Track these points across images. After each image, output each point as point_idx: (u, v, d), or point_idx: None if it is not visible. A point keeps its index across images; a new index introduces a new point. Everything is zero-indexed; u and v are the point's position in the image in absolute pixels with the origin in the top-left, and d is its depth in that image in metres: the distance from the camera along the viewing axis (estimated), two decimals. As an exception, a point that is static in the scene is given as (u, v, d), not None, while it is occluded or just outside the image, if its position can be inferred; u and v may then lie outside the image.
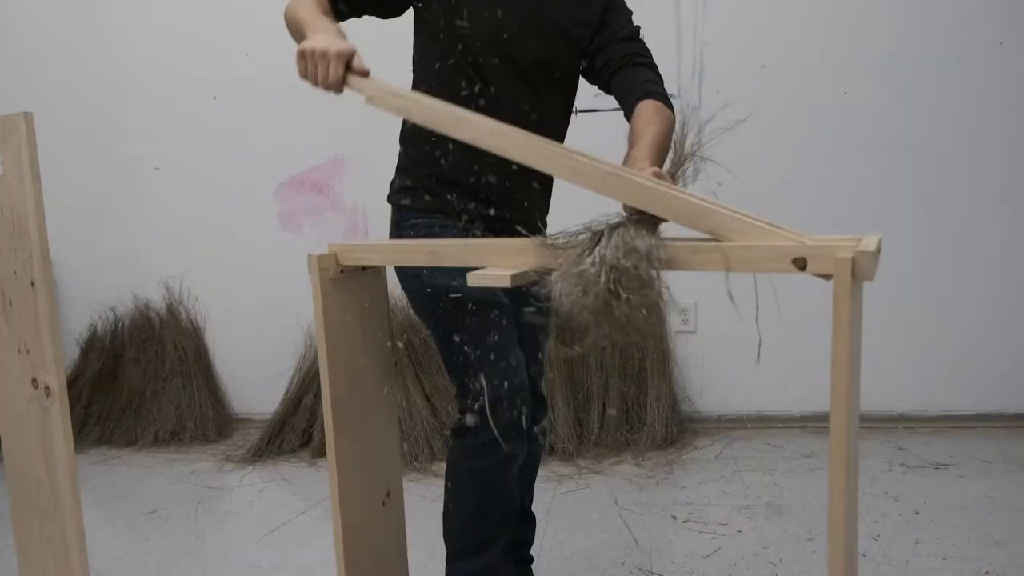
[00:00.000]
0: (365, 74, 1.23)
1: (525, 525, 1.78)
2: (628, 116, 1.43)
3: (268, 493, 2.65)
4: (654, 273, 0.97)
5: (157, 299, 3.38)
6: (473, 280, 1.08)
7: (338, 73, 1.21)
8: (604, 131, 3.03)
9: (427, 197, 1.49)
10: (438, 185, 1.48)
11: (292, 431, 3.06)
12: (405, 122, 1.57)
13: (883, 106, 2.90)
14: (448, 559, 1.49)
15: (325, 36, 1.23)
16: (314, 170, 3.25)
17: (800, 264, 0.94)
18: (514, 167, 1.48)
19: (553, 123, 1.57)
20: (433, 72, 1.49)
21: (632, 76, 1.46)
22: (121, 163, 3.34)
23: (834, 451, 0.90)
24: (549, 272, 1.06)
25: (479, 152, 1.45)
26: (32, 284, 1.66)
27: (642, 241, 0.98)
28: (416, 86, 1.55)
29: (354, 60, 1.22)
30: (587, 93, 3.01)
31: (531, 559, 1.84)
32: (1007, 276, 2.94)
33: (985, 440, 2.83)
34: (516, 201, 1.52)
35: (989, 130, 2.87)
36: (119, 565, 2.18)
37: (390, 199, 1.58)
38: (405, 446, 2.83)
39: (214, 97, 3.26)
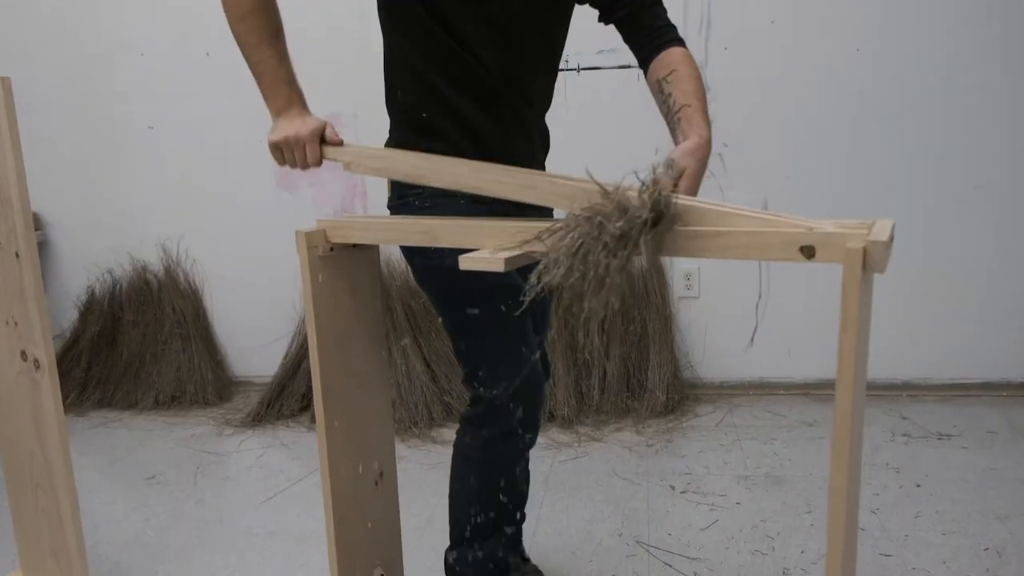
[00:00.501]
0: (339, 143, 1.28)
1: None
2: (649, 57, 1.32)
3: (267, 459, 2.65)
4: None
5: (154, 261, 3.34)
6: (465, 264, 1.03)
7: (316, 153, 1.26)
8: (607, 88, 2.97)
9: None
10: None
11: (291, 395, 3.04)
12: (392, 93, 1.45)
13: (896, 64, 2.80)
14: (452, 544, 1.47)
15: (290, 121, 1.26)
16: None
17: (808, 252, 0.89)
18: (511, 138, 1.41)
19: (541, 80, 1.45)
20: (406, 52, 1.38)
21: (652, 16, 1.34)
22: (114, 122, 3.28)
23: (837, 440, 0.87)
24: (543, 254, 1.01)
25: (475, 126, 1.38)
26: (17, 255, 1.62)
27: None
28: (388, 72, 1.43)
29: (326, 133, 1.26)
30: (590, 50, 2.96)
31: (524, 517, 1.81)
32: (1017, 242, 2.87)
33: (990, 409, 2.80)
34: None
35: (1008, 89, 2.78)
36: (118, 530, 2.18)
37: None
38: (404, 412, 2.82)
39: (207, 54, 3.18)
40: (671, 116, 1.24)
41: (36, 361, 1.66)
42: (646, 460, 2.50)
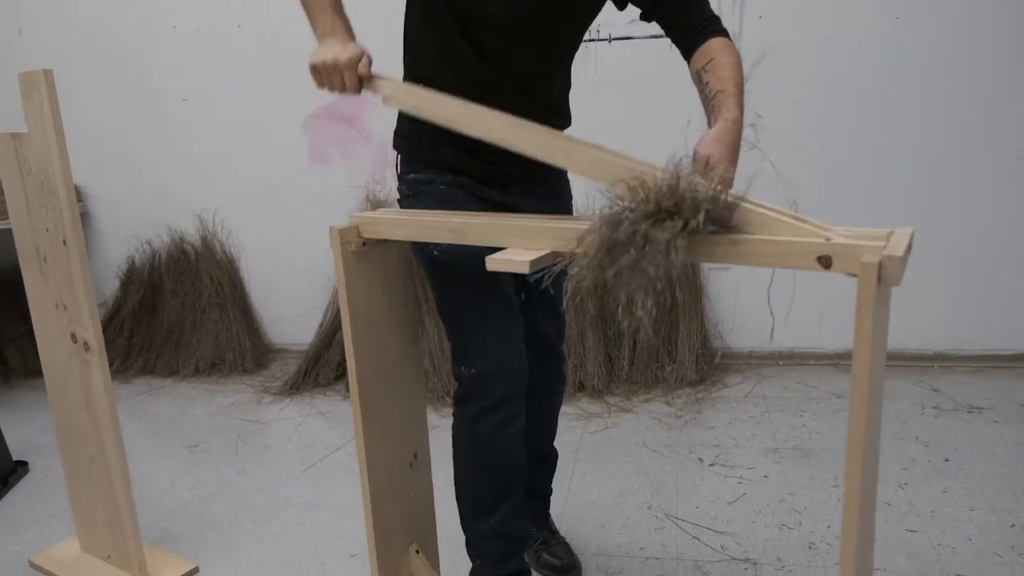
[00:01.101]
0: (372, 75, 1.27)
1: (544, 463, 1.81)
2: (691, 50, 1.31)
3: (305, 428, 2.74)
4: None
5: (191, 232, 3.42)
6: (492, 265, 1.06)
7: (353, 80, 1.25)
8: (639, 58, 2.93)
9: (417, 146, 1.44)
10: (425, 134, 1.36)
11: (327, 364, 3.12)
12: (405, 63, 1.46)
13: (937, 32, 2.73)
14: (461, 521, 1.54)
15: (331, 45, 1.26)
16: (343, 101, 3.19)
17: (825, 263, 0.91)
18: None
19: (544, 76, 1.44)
20: (416, 24, 1.41)
21: (696, 12, 1.32)
22: (149, 95, 3.33)
23: (851, 460, 0.89)
24: (570, 256, 1.04)
25: (477, 99, 1.37)
26: (64, 243, 1.68)
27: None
28: (404, 41, 1.45)
29: (361, 64, 1.25)
30: (622, 19, 2.92)
31: (550, 491, 1.87)
32: (1059, 212, 2.82)
33: (1023, 382, 2.78)
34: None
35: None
36: (165, 498, 2.29)
37: (393, 141, 1.52)
38: (436, 382, 2.88)
39: (239, 25, 3.20)
40: (707, 104, 1.24)
41: (86, 343, 1.74)
42: (675, 431, 2.54)
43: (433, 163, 1.42)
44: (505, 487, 1.47)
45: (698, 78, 1.27)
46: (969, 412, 2.57)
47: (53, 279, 1.75)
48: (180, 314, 3.37)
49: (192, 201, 3.40)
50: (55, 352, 1.84)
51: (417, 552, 1.44)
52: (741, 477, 2.22)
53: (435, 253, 1.37)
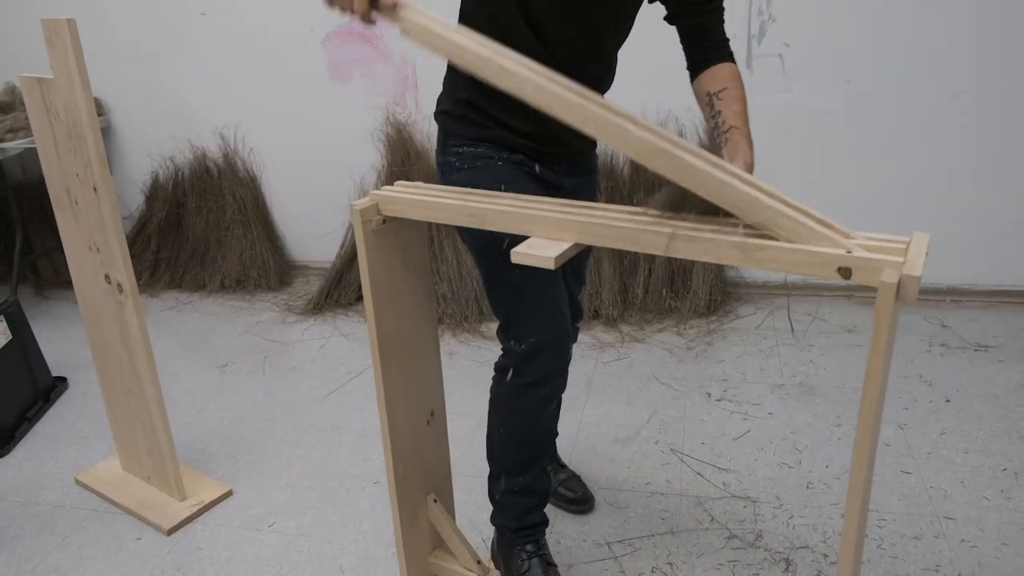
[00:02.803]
0: (393, 4, 1.16)
1: None
2: (700, 66, 1.39)
3: (328, 350, 2.83)
4: None
5: (214, 149, 3.42)
6: (516, 259, 1.09)
7: (364, 5, 1.14)
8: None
9: (472, 125, 1.45)
10: (482, 115, 1.42)
11: (348, 286, 3.19)
12: None
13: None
14: (491, 476, 1.63)
15: None
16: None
17: (845, 274, 0.94)
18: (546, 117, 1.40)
19: (593, 69, 1.45)
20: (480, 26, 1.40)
21: (711, 31, 1.39)
22: (167, 8, 3.26)
23: (856, 460, 0.95)
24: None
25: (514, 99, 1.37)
26: (95, 189, 1.72)
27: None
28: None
29: None
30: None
31: (556, 434, 1.92)
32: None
33: (1033, 319, 2.82)
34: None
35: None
36: (197, 420, 2.41)
37: (436, 117, 1.54)
38: (455, 307, 2.95)
39: (255, -63, 3.10)
40: (719, 133, 1.29)
41: (119, 285, 1.81)
42: (685, 364, 2.61)
43: (490, 140, 1.43)
44: (538, 452, 1.55)
45: (708, 101, 1.33)
46: (976, 351, 2.62)
47: (85, 222, 1.80)
48: (205, 230, 3.43)
49: (213, 118, 3.39)
50: (90, 290, 1.91)
51: (435, 501, 1.55)
52: (747, 413, 2.31)
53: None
